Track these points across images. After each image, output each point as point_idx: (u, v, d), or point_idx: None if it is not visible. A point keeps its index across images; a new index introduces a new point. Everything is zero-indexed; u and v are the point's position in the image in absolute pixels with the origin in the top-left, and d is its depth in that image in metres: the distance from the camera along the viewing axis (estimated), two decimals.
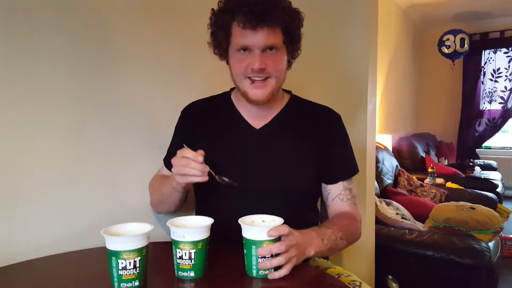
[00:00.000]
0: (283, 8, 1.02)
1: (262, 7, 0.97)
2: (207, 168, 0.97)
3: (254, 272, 0.88)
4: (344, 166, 1.20)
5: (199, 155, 0.96)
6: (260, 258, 0.87)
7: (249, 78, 1.06)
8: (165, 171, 1.25)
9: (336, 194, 1.17)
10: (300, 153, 1.15)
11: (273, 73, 1.06)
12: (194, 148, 0.97)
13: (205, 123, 1.20)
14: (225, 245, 1.04)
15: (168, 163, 1.19)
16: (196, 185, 1.20)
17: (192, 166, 0.96)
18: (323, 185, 1.20)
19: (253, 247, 0.87)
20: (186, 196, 1.15)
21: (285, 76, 1.13)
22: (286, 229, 0.89)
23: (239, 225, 0.89)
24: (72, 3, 1.14)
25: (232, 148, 1.14)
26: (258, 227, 0.88)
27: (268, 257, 0.87)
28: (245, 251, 0.89)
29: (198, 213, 1.22)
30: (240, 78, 1.07)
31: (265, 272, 0.87)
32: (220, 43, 1.08)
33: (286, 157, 1.13)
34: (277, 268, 0.88)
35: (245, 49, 1.03)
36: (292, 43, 1.08)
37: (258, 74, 1.04)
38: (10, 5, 1.01)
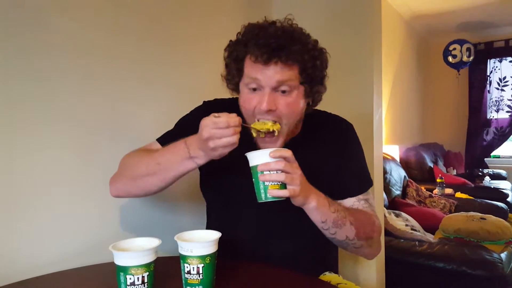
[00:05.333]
0: (304, 45, 0.93)
1: (279, 42, 0.90)
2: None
3: (263, 195, 0.89)
4: (356, 182, 1.14)
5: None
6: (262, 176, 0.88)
7: (263, 132, 0.97)
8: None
9: (348, 206, 1.11)
10: (313, 167, 1.07)
11: (283, 117, 0.97)
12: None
13: None
14: (234, 260, 1.03)
15: (164, 142, 1.09)
16: (207, 195, 1.20)
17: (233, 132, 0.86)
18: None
19: (258, 172, 0.88)
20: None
21: (302, 118, 1.04)
22: (289, 152, 0.89)
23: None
24: (78, 24, 1.16)
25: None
26: (260, 151, 0.90)
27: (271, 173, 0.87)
28: (253, 179, 0.90)
29: (209, 227, 1.20)
30: (250, 120, 1.00)
31: (272, 195, 0.88)
32: (233, 76, 1.02)
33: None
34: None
35: (255, 88, 0.96)
36: (310, 85, 0.99)
37: (266, 116, 0.96)
38: (20, 25, 1.03)
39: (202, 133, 0.87)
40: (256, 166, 0.89)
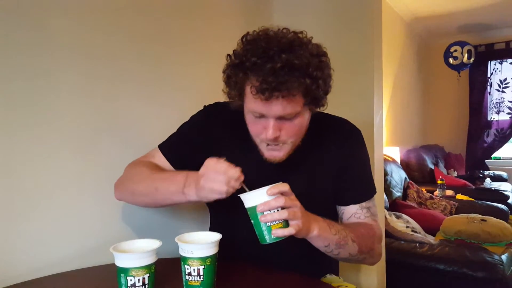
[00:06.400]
0: (305, 70, 0.88)
1: (279, 79, 0.85)
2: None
3: (267, 237, 0.86)
4: (358, 189, 1.12)
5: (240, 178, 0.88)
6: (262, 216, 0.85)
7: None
8: (159, 160, 1.13)
9: (351, 214, 1.10)
10: (317, 172, 1.09)
11: (287, 139, 0.97)
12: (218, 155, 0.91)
13: (227, 133, 1.12)
14: (234, 262, 1.03)
15: (166, 151, 1.12)
16: (212, 205, 1.19)
17: (231, 185, 0.87)
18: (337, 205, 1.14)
19: (258, 213, 0.85)
20: None
21: (307, 127, 1.03)
22: (286, 186, 0.87)
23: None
24: (80, 25, 1.17)
25: (247, 171, 0.95)
26: (256, 191, 0.87)
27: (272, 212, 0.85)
28: (252, 221, 0.88)
29: (213, 229, 1.19)
30: (256, 139, 1.01)
31: (277, 235, 0.85)
32: (235, 99, 1.00)
33: (302, 180, 1.06)
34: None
35: (259, 116, 0.94)
36: (315, 104, 0.97)
37: (271, 142, 0.96)
38: (20, 25, 1.04)
39: (201, 168, 0.89)
40: (254, 208, 0.86)
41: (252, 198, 0.87)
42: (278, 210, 0.85)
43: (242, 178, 0.88)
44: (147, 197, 1.05)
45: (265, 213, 0.85)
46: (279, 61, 0.86)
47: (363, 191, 1.13)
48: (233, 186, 0.87)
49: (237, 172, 0.87)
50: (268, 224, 0.85)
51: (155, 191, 1.01)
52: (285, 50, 0.87)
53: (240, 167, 0.88)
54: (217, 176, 0.87)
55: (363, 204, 1.10)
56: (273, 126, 0.92)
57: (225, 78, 0.98)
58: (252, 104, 0.93)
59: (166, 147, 1.14)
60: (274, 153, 0.99)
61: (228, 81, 0.97)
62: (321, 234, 0.94)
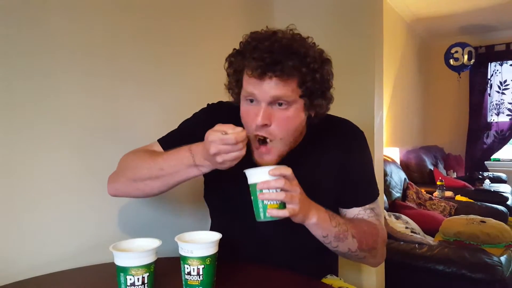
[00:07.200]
0: (302, 58, 0.90)
1: (273, 56, 0.87)
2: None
3: (262, 215, 0.87)
4: (361, 192, 1.11)
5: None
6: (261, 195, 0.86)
7: (256, 137, 0.95)
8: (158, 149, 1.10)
9: (354, 215, 1.09)
10: (318, 175, 1.08)
11: (277, 133, 0.94)
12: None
13: None
14: (234, 262, 1.03)
15: (165, 145, 1.09)
16: (211, 201, 1.19)
17: (244, 144, 0.86)
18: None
19: (258, 190, 0.87)
20: None
21: (302, 131, 1.02)
22: (289, 170, 0.88)
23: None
24: (79, 24, 1.17)
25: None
26: (260, 168, 0.88)
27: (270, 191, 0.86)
28: (252, 197, 0.89)
29: (213, 229, 1.19)
30: (248, 133, 0.94)
31: (272, 215, 0.86)
32: (233, 87, 1.01)
33: (303, 182, 1.00)
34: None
35: (252, 99, 0.94)
36: (310, 98, 0.95)
37: (261, 130, 0.94)
38: (20, 25, 1.04)
39: (209, 149, 0.85)
40: (255, 184, 0.87)
41: (255, 175, 0.88)
42: (277, 191, 0.86)
43: (245, 131, 0.87)
44: (152, 180, 0.99)
45: (264, 191, 0.86)
46: (277, 43, 0.89)
47: (366, 194, 1.12)
48: (245, 144, 0.86)
49: (242, 132, 0.85)
50: (265, 202, 0.87)
51: (160, 171, 0.97)
52: (287, 38, 0.91)
53: (240, 127, 0.87)
54: (233, 147, 0.84)
55: (366, 206, 1.09)
56: (264, 110, 0.92)
57: (226, 66, 1.00)
58: (246, 85, 0.94)
59: (165, 141, 1.12)
60: (264, 156, 0.97)
61: (230, 68, 0.99)
62: (319, 223, 0.94)
